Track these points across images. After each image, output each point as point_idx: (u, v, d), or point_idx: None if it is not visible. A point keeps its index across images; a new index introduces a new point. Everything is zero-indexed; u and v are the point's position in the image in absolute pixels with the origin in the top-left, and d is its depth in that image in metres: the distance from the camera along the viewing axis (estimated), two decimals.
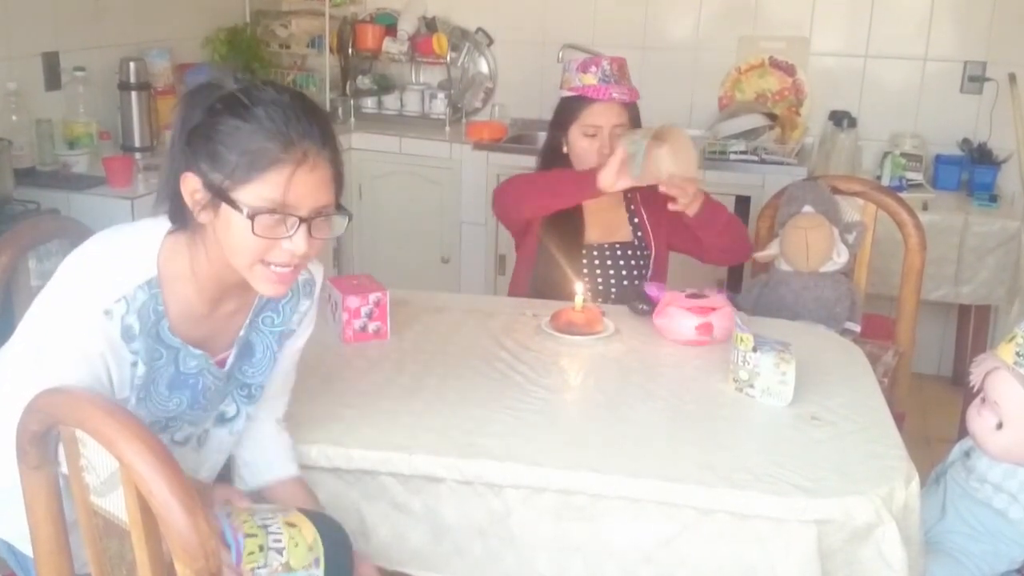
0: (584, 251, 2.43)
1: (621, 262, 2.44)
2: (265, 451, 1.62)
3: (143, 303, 1.37)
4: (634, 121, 2.41)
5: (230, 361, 1.52)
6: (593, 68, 2.36)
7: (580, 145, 2.38)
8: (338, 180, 1.40)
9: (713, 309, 2.07)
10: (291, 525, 1.41)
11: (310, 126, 1.35)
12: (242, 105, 1.32)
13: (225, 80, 1.37)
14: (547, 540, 1.61)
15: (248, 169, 1.31)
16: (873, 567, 1.54)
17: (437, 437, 1.67)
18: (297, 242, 1.34)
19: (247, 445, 1.63)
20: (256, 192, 1.31)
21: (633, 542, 1.58)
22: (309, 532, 1.42)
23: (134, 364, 1.39)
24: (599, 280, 2.41)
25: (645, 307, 2.20)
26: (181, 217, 1.39)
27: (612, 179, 2.19)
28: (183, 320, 1.42)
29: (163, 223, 1.41)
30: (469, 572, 1.64)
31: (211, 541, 1.11)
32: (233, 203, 1.32)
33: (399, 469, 1.62)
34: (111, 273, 1.36)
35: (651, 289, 2.23)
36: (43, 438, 1.26)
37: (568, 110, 2.41)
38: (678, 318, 2.08)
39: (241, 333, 1.52)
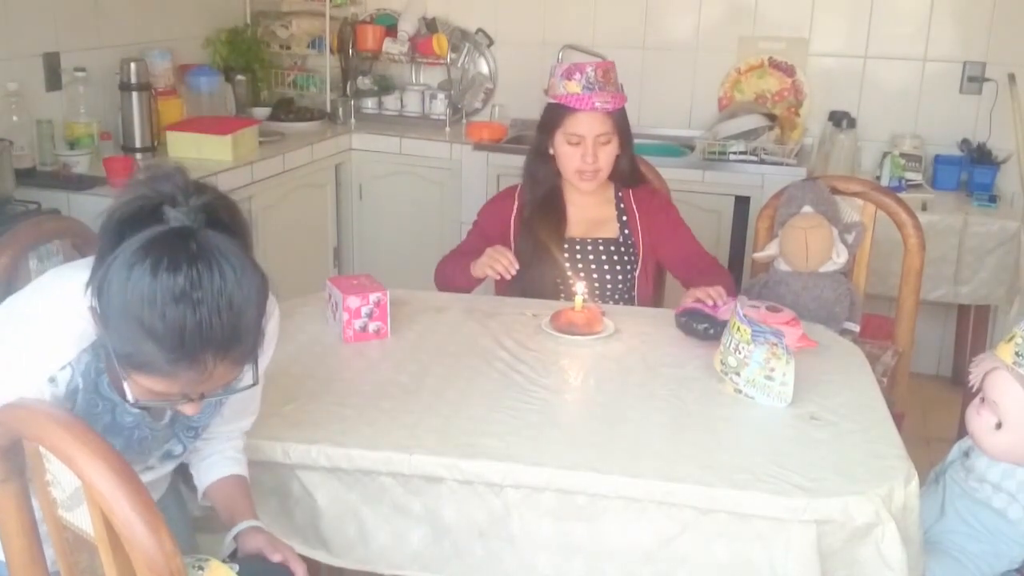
0: (567, 245, 2.45)
1: (603, 256, 2.44)
2: (210, 456, 1.59)
3: (87, 364, 1.32)
4: (620, 127, 2.40)
5: (168, 415, 1.45)
6: (577, 75, 2.36)
7: (563, 151, 2.41)
8: (253, 358, 1.28)
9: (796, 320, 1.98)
10: None
11: (218, 332, 1.19)
12: (151, 281, 1.17)
13: (171, 197, 1.22)
14: (547, 540, 1.61)
15: (135, 366, 1.22)
16: (872, 567, 1.54)
17: (437, 437, 1.67)
18: (185, 409, 1.29)
19: (196, 453, 1.60)
20: (141, 382, 1.24)
21: (633, 542, 1.58)
22: None
23: (71, 408, 1.34)
24: (581, 275, 2.42)
25: (711, 328, 2.05)
26: None
27: (480, 271, 2.36)
28: None
29: None
30: (469, 573, 1.64)
31: (176, 559, 1.10)
32: (119, 376, 1.24)
33: (399, 469, 1.62)
34: (55, 339, 1.30)
35: (705, 308, 2.11)
36: (10, 451, 1.24)
37: (552, 117, 2.43)
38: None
39: None
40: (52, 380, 1.30)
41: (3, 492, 1.28)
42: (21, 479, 1.28)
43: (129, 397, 1.26)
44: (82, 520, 1.20)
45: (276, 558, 1.45)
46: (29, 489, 1.29)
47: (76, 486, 1.17)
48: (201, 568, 1.39)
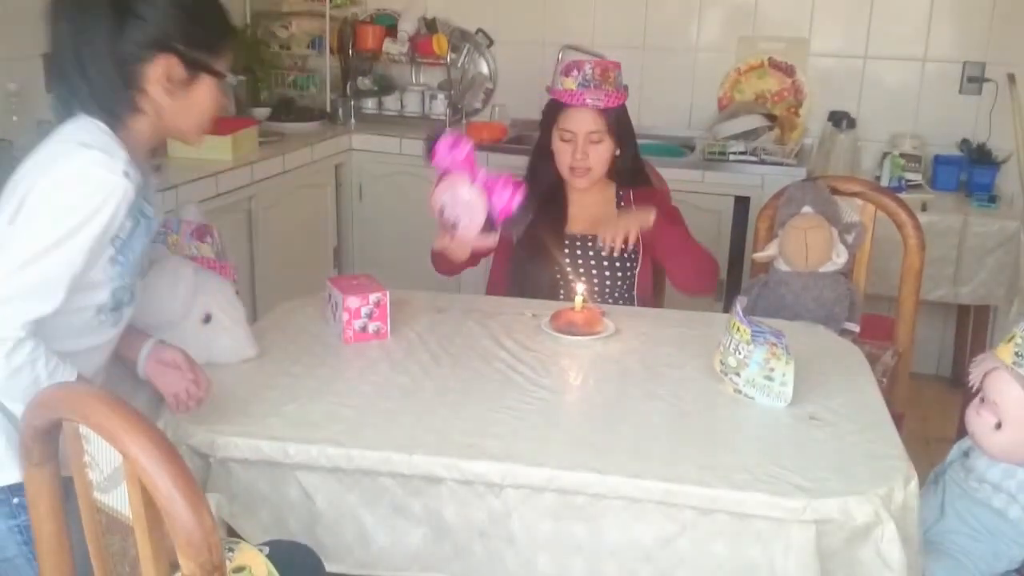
0: (567, 241, 2.46)
1: (603, 253, 2.44)
2: None
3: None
4: (616, 126, 2.40)
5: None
6: (575, 72, 2.38)
7: (557, 147, 2.43)
8: None
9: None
10: (238, 571, 1.39)
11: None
12: None
13: None
14: (547, 540, 1.61)
15: (221, 40, 1.59)
16: (872, 567, 1.54)
17: (437, 437, 1.67)
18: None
19: None
20: (225, 61, 1.61)
21: (633, 542, 1.58)
22: (260, 569, 1.40)
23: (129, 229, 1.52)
24: (581, 271, 2.43)
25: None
26: (118, 109, 1.53)
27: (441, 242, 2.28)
28: None
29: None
30: (469, 574, 1.64)
31: (214, 535, 1.12)
32: (216, 72, 1.58)
33: (399, 469, 1.62)
34: (111, 147, 1.48)
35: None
36: (47, 434, 1.27)
37: (549, 112, 2.46)
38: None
39: None
40: (126, 174, 1.45)
41: (38, 476, 1.31)
42: (54, 463, 1.30)
43: (230, 80, 1.65)
44: (117, 501, 1.23)
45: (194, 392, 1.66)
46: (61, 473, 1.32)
47: (115, 466, 1.20)
48: (231, 550, 1.41)
